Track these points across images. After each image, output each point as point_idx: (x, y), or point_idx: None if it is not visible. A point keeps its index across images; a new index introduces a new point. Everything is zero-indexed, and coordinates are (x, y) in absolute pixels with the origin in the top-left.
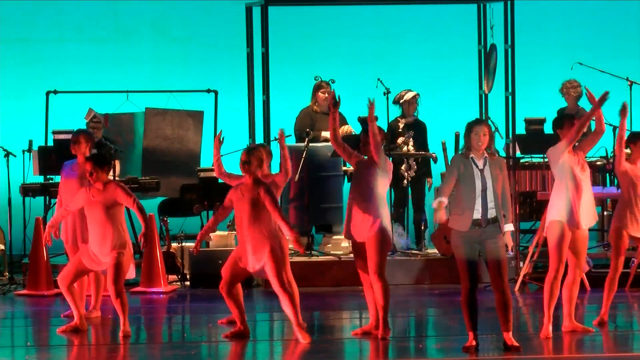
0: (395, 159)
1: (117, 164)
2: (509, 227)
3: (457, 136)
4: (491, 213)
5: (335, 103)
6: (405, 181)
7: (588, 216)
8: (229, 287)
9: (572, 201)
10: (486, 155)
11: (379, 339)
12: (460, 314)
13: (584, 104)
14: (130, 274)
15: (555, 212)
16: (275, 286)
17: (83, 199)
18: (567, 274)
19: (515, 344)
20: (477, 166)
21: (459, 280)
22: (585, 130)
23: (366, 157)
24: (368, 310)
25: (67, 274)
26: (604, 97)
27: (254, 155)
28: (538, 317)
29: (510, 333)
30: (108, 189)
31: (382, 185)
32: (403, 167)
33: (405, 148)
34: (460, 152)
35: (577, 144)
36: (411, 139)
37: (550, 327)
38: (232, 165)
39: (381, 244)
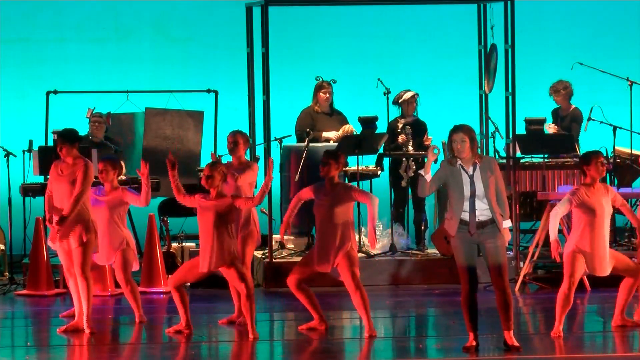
0: (396, 159)
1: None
2: (507, 224)
3: None
4: (485, 215)
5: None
6: (404, 182)
7: (604, 264)
8: (179, 287)
9: (592, 245)
10: (475, 160)
11: (368, 338)
12: (461, 314)
13: (576, 102)
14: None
15: (574, 244)
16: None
17: (52, 175)
18: (572, 289)
19: (516, 343)
20: (466, 172)
21: (459, 280)
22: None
23: (323, 182)
24: (308, 309)
25: (77, 260)
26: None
27: (217, 169)
28: (538, 317)
29: (511, 332)
30: (76, 165)
31: (344, 208)
32: (402, 168)
33: (404, 149)
34: (447, 159)
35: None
36: (411, 139)
37: (561, 327)
38: None
39: (351, 265)
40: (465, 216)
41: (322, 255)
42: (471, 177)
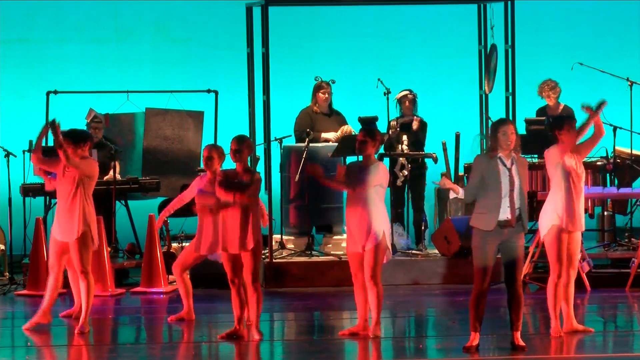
0: (393, 159)
1: (117, 164)
2: None
3: (457, 136)
4: (517, 212)
5: (319, 175)
6: (399, 181)
7: (582, 220)
8: (237, 278)
9: (570, 204)
10: (513, 154)
11: (370, 339)
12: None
13: (576, 102)
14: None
15: (552, 216)
16: (248, 280)
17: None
18: (561, 275)
19: (522, 343)
20: (505, 165)
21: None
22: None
23: (360, 160)
24: (357, 311)
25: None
26: (601, 106)
27: (245, 143)
28: (538, 317)
29: (519, 333)
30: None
31: (378, 190)
32: (397, 167)
33: (400, 147)
34: (485, 152)
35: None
36: (405, 138)
37: (559, 326)
38: (231, 164)
39: (377, 251)
40: (505, 215)
41: (358, 234)
42: (509, 170)
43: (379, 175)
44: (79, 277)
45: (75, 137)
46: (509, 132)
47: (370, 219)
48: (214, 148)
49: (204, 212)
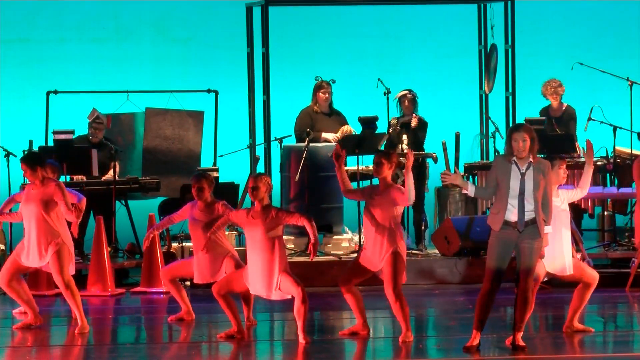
0: None
1: (117, 165)
2: (548, 230)
3: (457, 136)
4: (529, 215)
5: (338, 157)
6: (399, 181)
7: (555, 263)
8: (226, 292)
9: (551, 246)
10: (530, 159)
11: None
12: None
13: (576, 102)
14: (71, 269)
15: None
16: (299, 298)
17: (24, 195)
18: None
19: (522, 344)
20: (519, 169)
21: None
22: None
23: (378, 182)
24: (353, 312)
25: (4, 273)
26: (590, 150)
27: (262, 181)
28: (538, 316)
29: (520, 333)
30: (46, 186)
31: (398, 208)
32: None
33: (400, 147)
34: (502, 154)
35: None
36: (405, 138)
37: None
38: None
39: (395, 265)
40: (510, 215)
41: (372, 255)
42: (523, 175)
43: (395, 201)
44: (62, 290)
45: (29, 161)
46: (519, 139)
47: (388, 235)
48: (204, 178)
49: (197, 241)
